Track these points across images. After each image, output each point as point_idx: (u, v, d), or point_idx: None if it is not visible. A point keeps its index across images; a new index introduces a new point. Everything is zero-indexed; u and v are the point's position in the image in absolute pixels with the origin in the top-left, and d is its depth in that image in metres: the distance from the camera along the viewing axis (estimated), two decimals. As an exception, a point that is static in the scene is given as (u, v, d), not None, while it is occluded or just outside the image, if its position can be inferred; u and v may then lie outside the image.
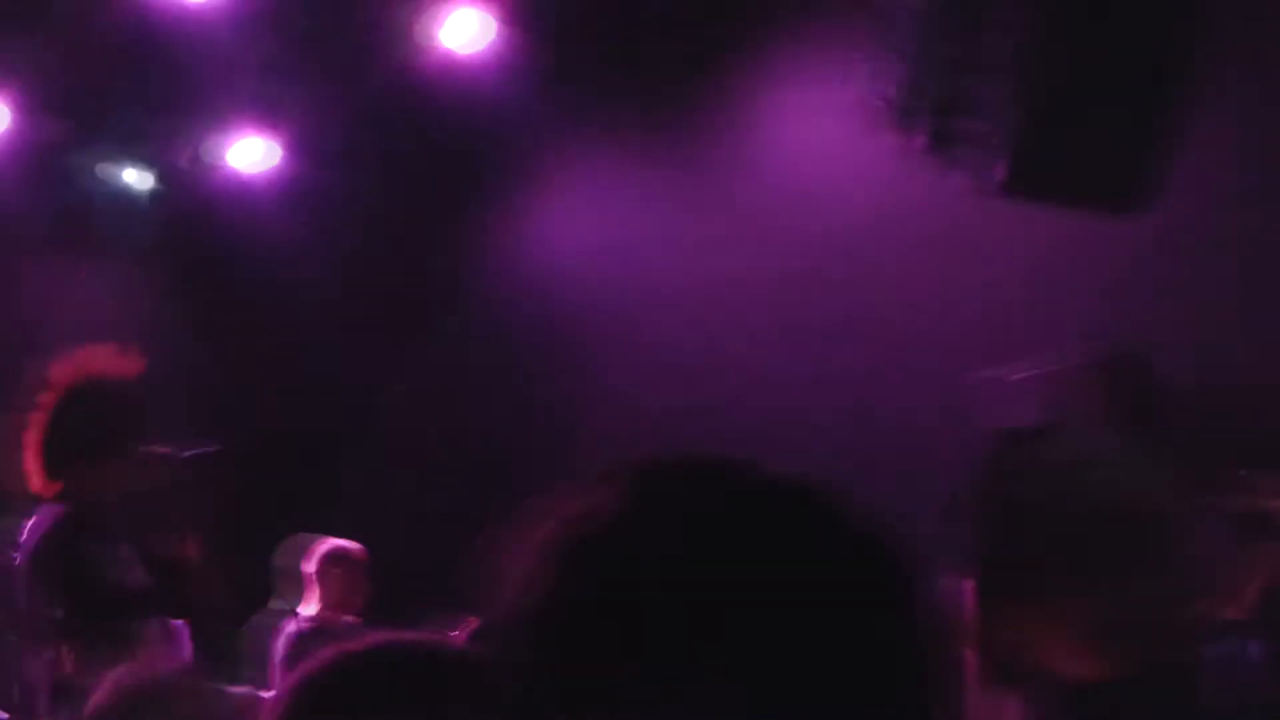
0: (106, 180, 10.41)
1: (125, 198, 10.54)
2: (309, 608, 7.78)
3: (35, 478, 5.34)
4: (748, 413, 8.62)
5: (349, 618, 7.69)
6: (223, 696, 2.62)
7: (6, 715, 5.74)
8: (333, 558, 7.87)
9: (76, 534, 5.26)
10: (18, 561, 5.19)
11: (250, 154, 10.25)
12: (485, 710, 1.61)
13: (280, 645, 7.44)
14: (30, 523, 5.28)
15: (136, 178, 10.50)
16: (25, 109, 9.38)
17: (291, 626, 7.58)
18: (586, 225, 10.20)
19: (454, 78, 9.49)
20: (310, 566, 7.85)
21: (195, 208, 10.63)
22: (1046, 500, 2.66)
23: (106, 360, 5.56)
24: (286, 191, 10.55)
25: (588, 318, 9.90)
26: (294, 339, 10.83)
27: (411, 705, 1.70)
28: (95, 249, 10.60)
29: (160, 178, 10.51)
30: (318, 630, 7.37)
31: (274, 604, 7.90)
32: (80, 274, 10.64)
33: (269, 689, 2.54)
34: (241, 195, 10.54)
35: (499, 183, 10.50)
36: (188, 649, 7.61)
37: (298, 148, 10.33)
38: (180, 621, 7.75)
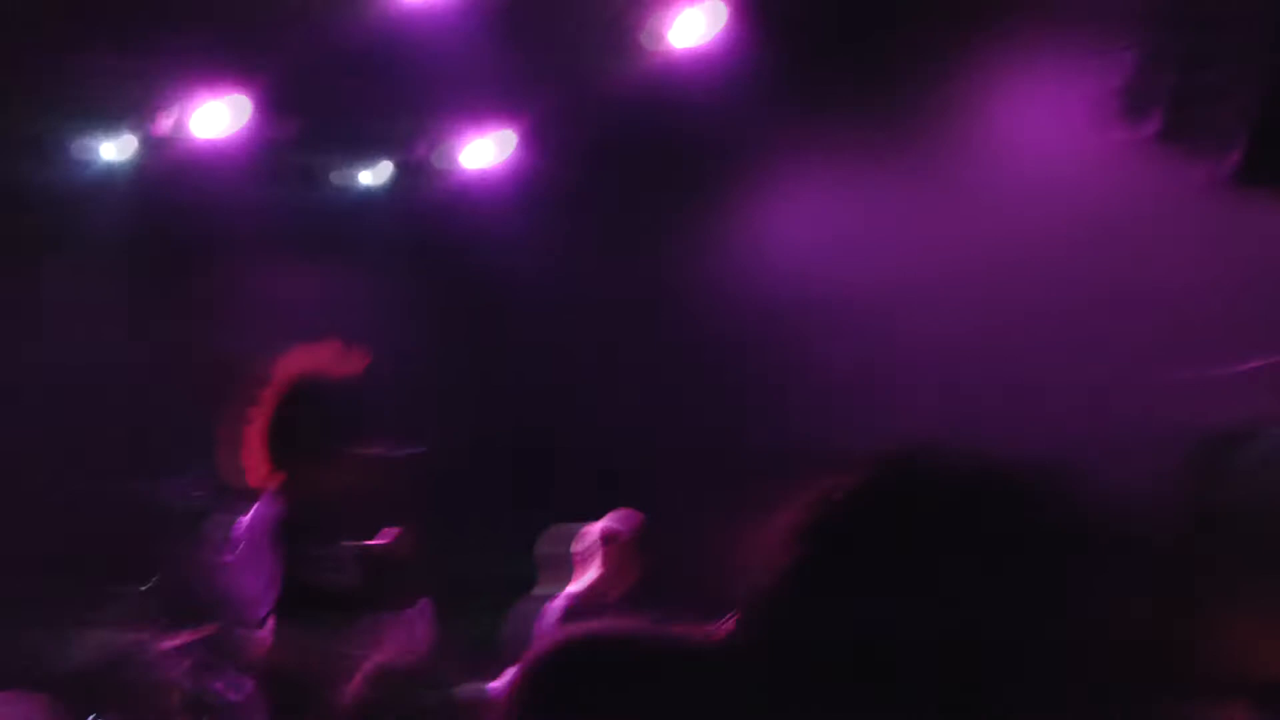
0: (342, 180, 10.66)
1: (360, 197, 10.80)
2: (577, 587, 7.90)
3: (254, 473, 5.46)
4: (974, 405, 8.54)
5: (615, 596, 7.78)
6: (460, 689, 2.67)
7: None
8: (605, 538, 7.95)
9: (293, 531, 5.37)
10: (235, 555, 5.33)
11: (482, 153, 10.41)
12: (700, 700, 1.66)
13: (546, 624, 7.54)
14: (247, 518, 5.40)
15: (371, 176, 10.74)
16: (263, 108, 9.58)
17: (559, 604, 7.68)
18: (812, 222, 10.16)
19: (680, 75, 9.53)
20: (580, 547, 7.96)
21: (428, 206, 10.81)
22: (1259, 501, 2.62)
23: (328, 359, 5.63)
24: (517, 191, 10.70)
25: (814, 314, 9.87)
26: (524, 337, 11.00)
27: (629, 691, 1.71)
28: (330, 248, 10.82)
29: (394, 176, 10.74)
30: (584, 608, 7.44)
31: (538, 591, 8.07)
32: (314, 273, 10.90)
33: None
34: (473, 194, 10.72)
35: (725, 179, 10.53)
36: (427, 639, 7.82)
37: (529, 146, 10.47)
38: (420, 612, 7.98)
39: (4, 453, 8.94)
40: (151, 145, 9.64)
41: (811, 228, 10.14)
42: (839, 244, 9.91)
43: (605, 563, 7.87)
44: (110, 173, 9.74)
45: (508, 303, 10.97)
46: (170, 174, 9.73)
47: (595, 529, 7.99)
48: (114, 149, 9.68)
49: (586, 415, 11.00)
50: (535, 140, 10.42)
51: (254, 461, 5.49)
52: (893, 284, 9.48)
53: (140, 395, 9.27)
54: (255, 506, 5.43)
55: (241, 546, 5.34)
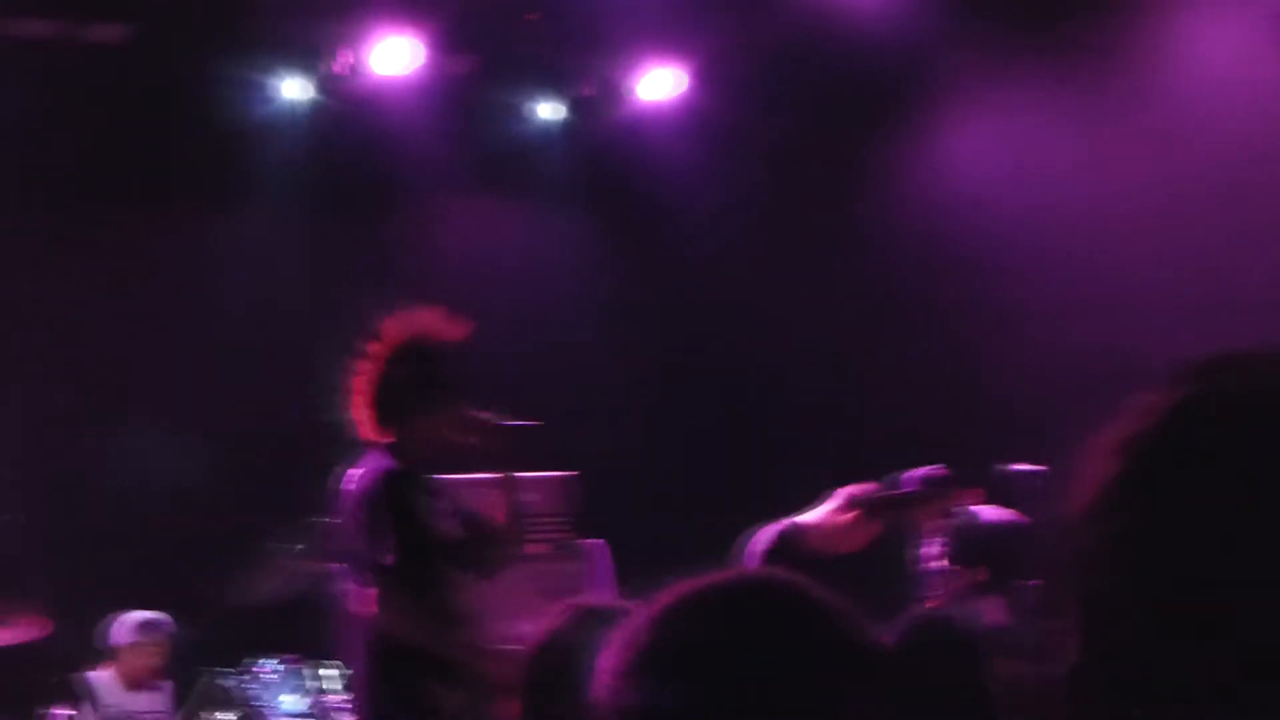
0: (518, 115, 10.69)
1: (537, 133, 10.82)
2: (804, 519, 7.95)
3: (365, 426, 5.58)
4: (1164, 337, 8.38)
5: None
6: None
7: None
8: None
9: (406, 483, 5.46)
10: (349, 507, 5.47)
11: (658, 85, 10.37)
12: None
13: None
14: (359, 470, 5.50)
15: (548, 112, 10.76)
16: (437, 46, 9.59)
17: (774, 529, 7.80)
18: (992, 152, 9.98)
19: (859, 6, 9.43)
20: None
21: (604, 141, 10.80)
22: None
23: (436, 323, 5.74)
24: (693, 124, 10.65)
25: (996, 245, 9.73)
26: (699, 271, 10.98)
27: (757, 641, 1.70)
28: (506, 184, 10.86)
29: (571, 112, 10.73)
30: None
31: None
32: (491, 208, 10.97)
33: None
34: (649, 129, 10.69)
35: (904, 113, 10.39)
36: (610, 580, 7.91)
37: (704, 79, 10.41)
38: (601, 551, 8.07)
39: (195, 383, 9.12)
40: (331, 84, 9.74)
41: (990, 159, 9.97)
42: (1017, 175, 9.74)
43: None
44: (291, 111, 9.86)
45: (684, 237, 10.93)
46: (349, 112, 9.81)
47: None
48: (294, 88, 9.80)
49: (767, 347, 10.96)
50: (711, 75, 10.32)
51: (364, 415, 5.60)
52: (1073, 213, 9.31)
53: (316, 332, 9.38)
54: (365, 459, 5.56)
55: (351, 499, 5.48)
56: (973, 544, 7.85)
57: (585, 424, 10.06)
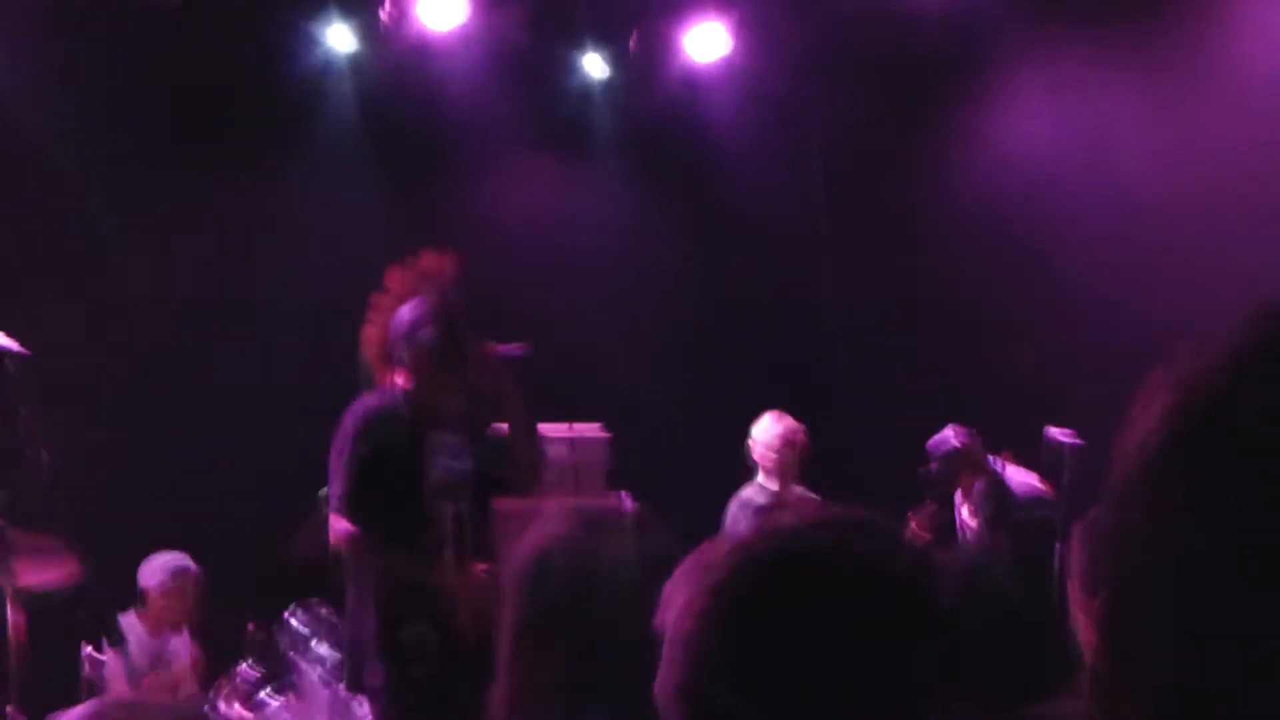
0: (565, 70, 10.68)
1: (584, 87, 10.80)
2: (770, 483, 8.17)
3: (379, 373, 5.81)
4: (1230, 314, 8.31)
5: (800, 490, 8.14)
6: (665, 537, 2.64)
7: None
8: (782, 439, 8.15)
9: (376, 415, 5.67)
10: (335, 446, 5.70)
11: (708, 44, 10.32)
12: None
13: (747, 515, 7.81)
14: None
15: (594, 68, 10.74)
16: (482, 2, 9.63)
17: (749, 495, 7.96)
18: (1056, 129, 9.93)
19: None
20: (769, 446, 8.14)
21: (654, 97, 10.78)
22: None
23: (433, 266, 5.89)
24: (746, 85, 10.62)
25: (1059, 224, 9.69)
26: (750, 232, 10.96)
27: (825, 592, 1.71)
28: (554, 138, 10.86)
29: (616, 69, 10.69)
30: (774, 504, 7.72)
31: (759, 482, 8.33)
32: (540, 163, 10.96)
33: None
34: (700, 86, 10.66)
35: (964, 83, 10.34)
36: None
37: (757, 41, 10.36)
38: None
39: (247, 338, 9.16)
40: (379, 36, 9.75)
41: (1053, 136, 9.93)
42: (1082, 153, 9.69)
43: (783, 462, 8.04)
44: (337, 64, 9.88)
45: (736, 197, 10.91)
46: (397, 66, 9.82)
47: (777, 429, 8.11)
48: (342, 38, 9.81)
49: (819, 309, 10.95)
50: (759, 31, 10.28)
51: (377, 363, 5.82)
52: (1139, 192, 9.26)
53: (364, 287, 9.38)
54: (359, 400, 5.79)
55: (336, 438, 5.70)
56: (999, 506, 7.94)
57: (631, 380, 10.09)
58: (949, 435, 8.37)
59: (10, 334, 5.42)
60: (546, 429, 8.30)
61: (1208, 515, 1.06)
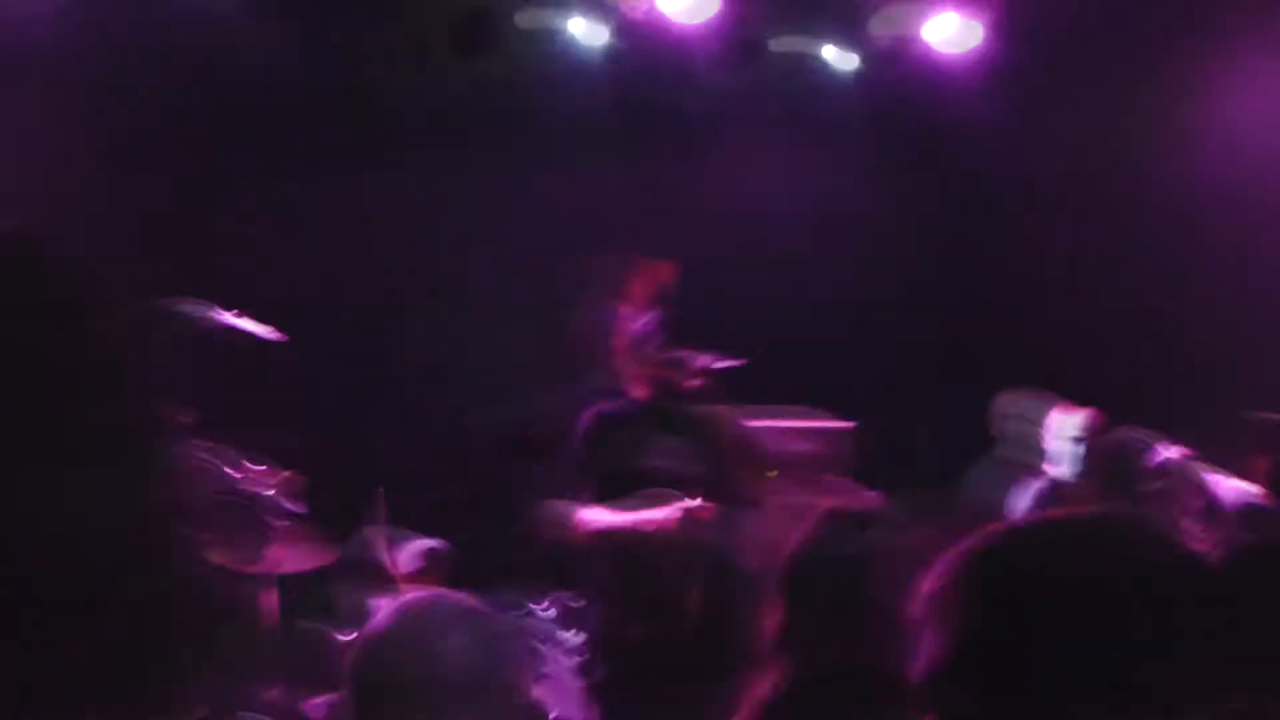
0: (809, 60, 10.61)
1: (828, 77, 10.72)
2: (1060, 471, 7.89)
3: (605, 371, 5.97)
4: None
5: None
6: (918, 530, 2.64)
7: None
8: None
9: (608, 420, 5.83)
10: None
11: (948, 31, 10.20)
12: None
13: (1028, 500, 7.62)
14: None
15: (838, 57, 10.65)
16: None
17: (1041, 484, 7.76)
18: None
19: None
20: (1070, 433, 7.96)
21: (897, 89, 10.67)
22: None
23: (657, 273, 5.99)
24: (988, 73, 10.47)
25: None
26: (991, 225, 10.81)
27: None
28: (798, 131, 10.79)
29: (862, 58, 10.59)
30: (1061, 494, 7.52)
31: (1000, 453, 8.16)
32: (783, 155, 10.92)
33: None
34: (942, 76, 10.53)
35: (1189, 52, 10.06)
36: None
37: (999, 26, 10.20)
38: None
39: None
40: (624, 28, 9.79)
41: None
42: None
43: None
44: (582, 55, 9.94)
45: (977, 190, 10.77)
46: (643, 57, 9.85)
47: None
48: (585, 30, 9.88)
49: (1052, 300, 10.75)
50: (1006, 18, 10.12)
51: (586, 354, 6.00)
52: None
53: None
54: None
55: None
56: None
57: (872, 370, 10.01)
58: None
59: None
60: (790, 421, 8.29)
61: None
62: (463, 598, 3.06)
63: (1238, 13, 9.44)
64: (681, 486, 5.74)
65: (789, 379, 9.17)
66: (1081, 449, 7.72)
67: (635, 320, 5.87)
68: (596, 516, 5.66)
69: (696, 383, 5.85)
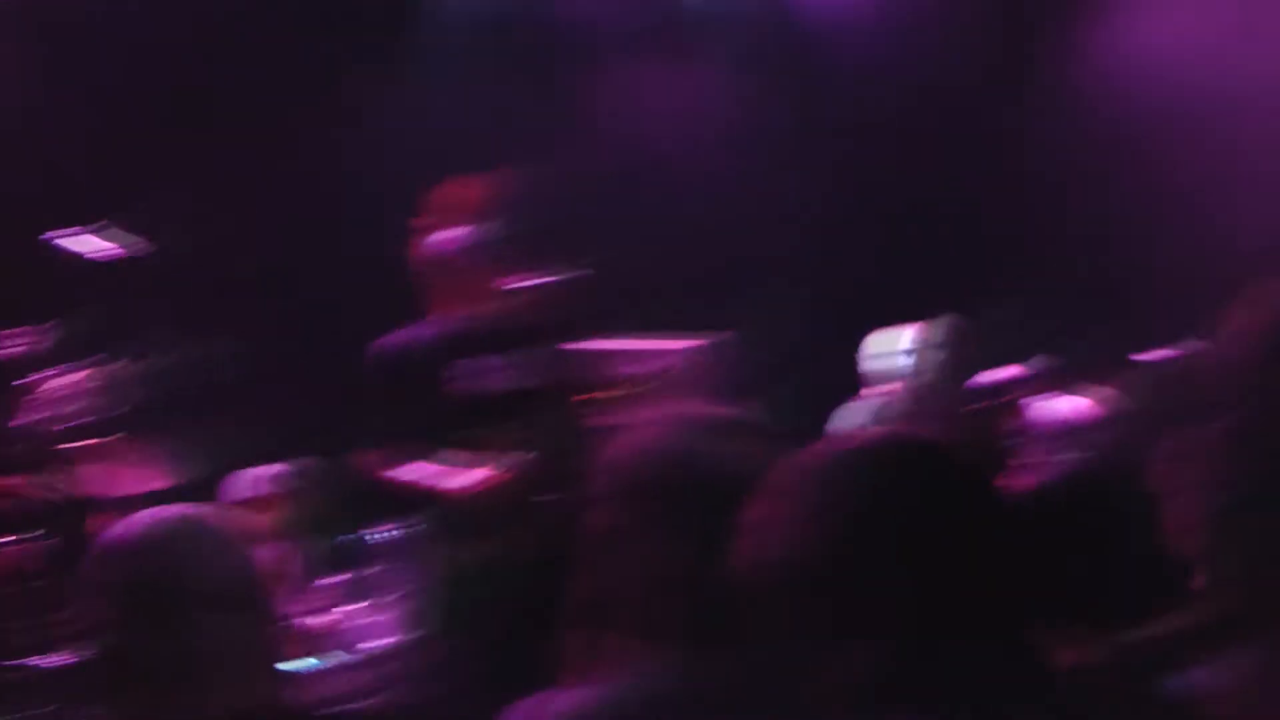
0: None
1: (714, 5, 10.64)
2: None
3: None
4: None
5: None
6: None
7: None
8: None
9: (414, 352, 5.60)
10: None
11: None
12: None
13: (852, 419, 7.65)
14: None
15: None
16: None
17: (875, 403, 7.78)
18: (1178, 24, 9.69)
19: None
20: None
21: (778, 17, 10.60)
22: None
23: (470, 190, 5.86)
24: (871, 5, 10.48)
25: (1175, 122, 9.44)
26: (874, 156, 10.79)
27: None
28: (683, 57, 10.74)
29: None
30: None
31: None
32: (669, 81, 10.84)
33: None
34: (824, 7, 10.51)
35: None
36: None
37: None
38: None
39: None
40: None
41: (1175, 31, 9.67)
42: (1201, 48, 9.44)
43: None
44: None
45: (859, 100, 10.75)
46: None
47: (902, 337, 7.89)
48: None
49: (933, 218, 10.76)
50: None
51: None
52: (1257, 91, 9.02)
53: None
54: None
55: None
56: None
57: (745, 288, 10.00)
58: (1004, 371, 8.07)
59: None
60: (658, 340, 8.22)
61: None
62: (219, 512, 2.99)
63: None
64: (492, 408, 5.61)
65: (658, 300, 9.17)
66: (912, 361, 7.73)
67: (442, 239, 5.67)
68: (405, 471, 5.48)
69: (527, 300, 5.65)
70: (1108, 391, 8.06)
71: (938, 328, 7.78)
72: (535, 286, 5.60)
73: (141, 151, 8.46)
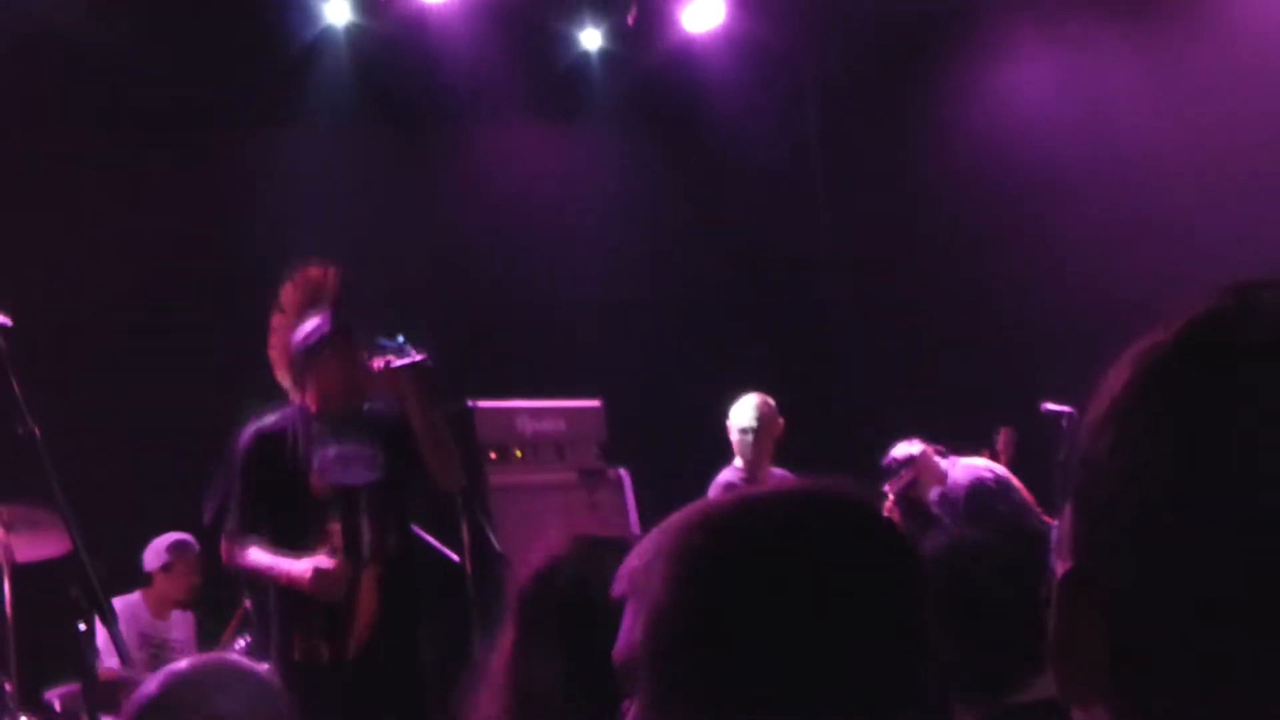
0: (560, 41, 10.61)
1: (579, 58, 10.73)
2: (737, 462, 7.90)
3: (288, 387, 5.87)
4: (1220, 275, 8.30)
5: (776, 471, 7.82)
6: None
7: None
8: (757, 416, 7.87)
9: (263, 440, 5.67)
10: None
11: (702, 13, 10.27)
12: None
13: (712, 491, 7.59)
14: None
15: (594, 38, 10.65)
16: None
17: (726, 476, 7.74)
18: (1052, 86, 9.90)
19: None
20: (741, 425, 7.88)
21: (649, 69, 10.73)
22: None
23: (321, 278, 5.99)
24: (739, 52, 10.57)
25: (1055, 183, 9.67)
26: (747, 201, 10.92)
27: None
28: (551, 110, 10.81)
29: (615, 38, 10.61)
30: (746, 481, 7.53)
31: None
32: (536, 134, 10.92)
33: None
34: (694, 55, 10.61)
35: (959, 44, 10.30)
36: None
37: (747, 5, 10.29)
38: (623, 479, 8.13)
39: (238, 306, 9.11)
40: (375, 7, 9.70)
41: (1047, 91, 9.88)
42: (1074, 108, 9.68)
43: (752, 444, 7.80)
44: (333, 34, 9.84)
45: (732, 166, 10.88)
46: (394, 36, 9.78)
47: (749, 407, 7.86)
48: (338, 10, 9.76)
49: (814, 276, 10.90)
50: (752, 1, 10.23)
51: (283, 378, 5.90)
52: (1130, 149, 9.24)
53: (359, 257, 9.29)
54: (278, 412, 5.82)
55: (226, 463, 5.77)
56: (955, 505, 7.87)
57: (625, 349, 10.04)
58: (904, 446, 8.13)
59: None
60: (541, 403, 8.30)
61: (1179, 451, 1.03)
62: (230, 658, 3.04)
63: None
64: (347, 494, 5.67)
65: (540, 361, 9.21)
66: (750, 439, 7.71)
67: (293, 330, 5.80)
68: (255, 557, 5.54)
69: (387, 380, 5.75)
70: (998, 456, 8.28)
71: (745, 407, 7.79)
72: (395, 368, 5.70)
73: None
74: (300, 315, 5.86)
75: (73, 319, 8.31)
